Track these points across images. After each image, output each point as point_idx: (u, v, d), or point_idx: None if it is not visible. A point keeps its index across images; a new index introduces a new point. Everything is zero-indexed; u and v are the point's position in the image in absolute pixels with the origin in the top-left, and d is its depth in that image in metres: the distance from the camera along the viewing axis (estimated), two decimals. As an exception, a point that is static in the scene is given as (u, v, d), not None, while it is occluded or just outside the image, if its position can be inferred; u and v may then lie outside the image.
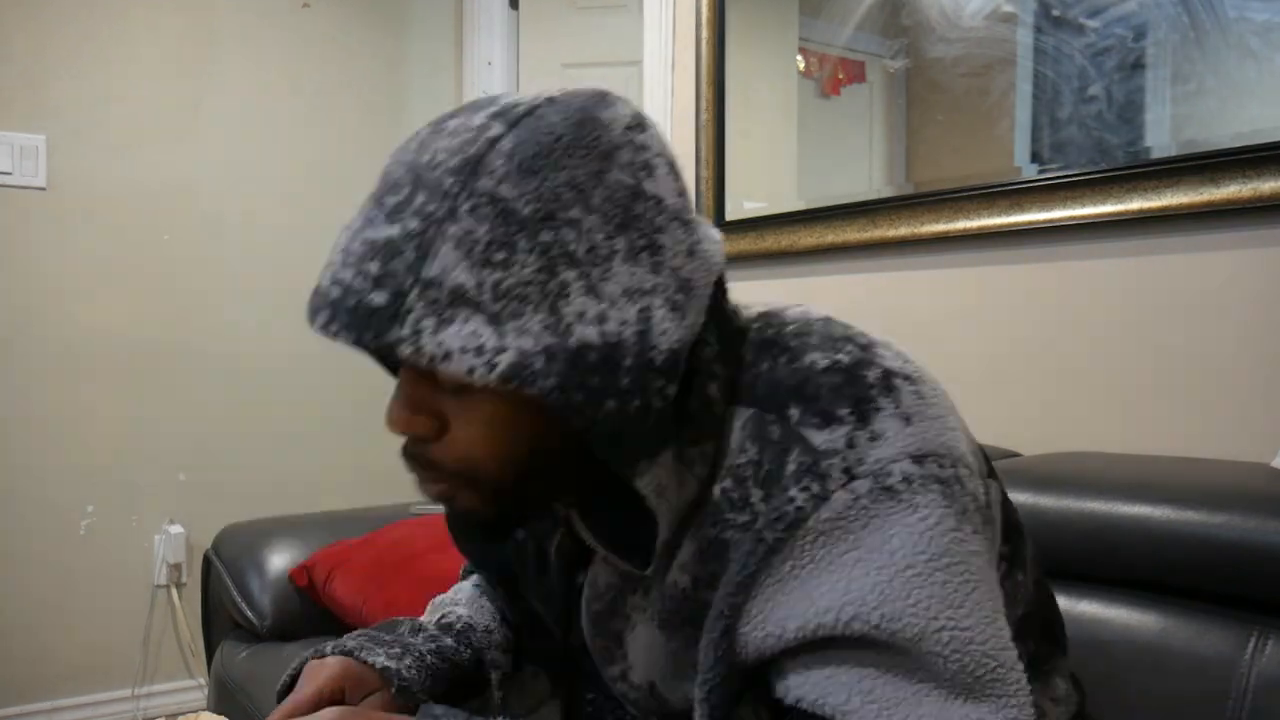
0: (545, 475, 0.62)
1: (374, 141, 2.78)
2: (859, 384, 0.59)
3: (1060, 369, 1.41)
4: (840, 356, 0.60)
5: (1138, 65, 1.32)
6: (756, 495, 0.58)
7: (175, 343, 2.48)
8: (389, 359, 0.67)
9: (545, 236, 0.54)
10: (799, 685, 0.57)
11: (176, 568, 2.48)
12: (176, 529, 2.47)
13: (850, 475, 0.56)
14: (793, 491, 0.56)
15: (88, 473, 2.38)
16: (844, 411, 0.57)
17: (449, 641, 0.82)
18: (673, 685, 0.67)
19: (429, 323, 0.53)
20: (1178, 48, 1.27)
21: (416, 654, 0.78)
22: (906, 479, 0.56)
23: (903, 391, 0.59)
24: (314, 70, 2.67)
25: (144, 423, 2.44)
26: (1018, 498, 1.02)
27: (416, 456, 0.62)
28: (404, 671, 0.76)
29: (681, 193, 0.61)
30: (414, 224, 0.55)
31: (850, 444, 0.56)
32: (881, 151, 1.74)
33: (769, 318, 0.66)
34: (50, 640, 2.33)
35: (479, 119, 0.58)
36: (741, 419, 0.60)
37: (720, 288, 0.64)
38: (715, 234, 0.64)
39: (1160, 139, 1.29)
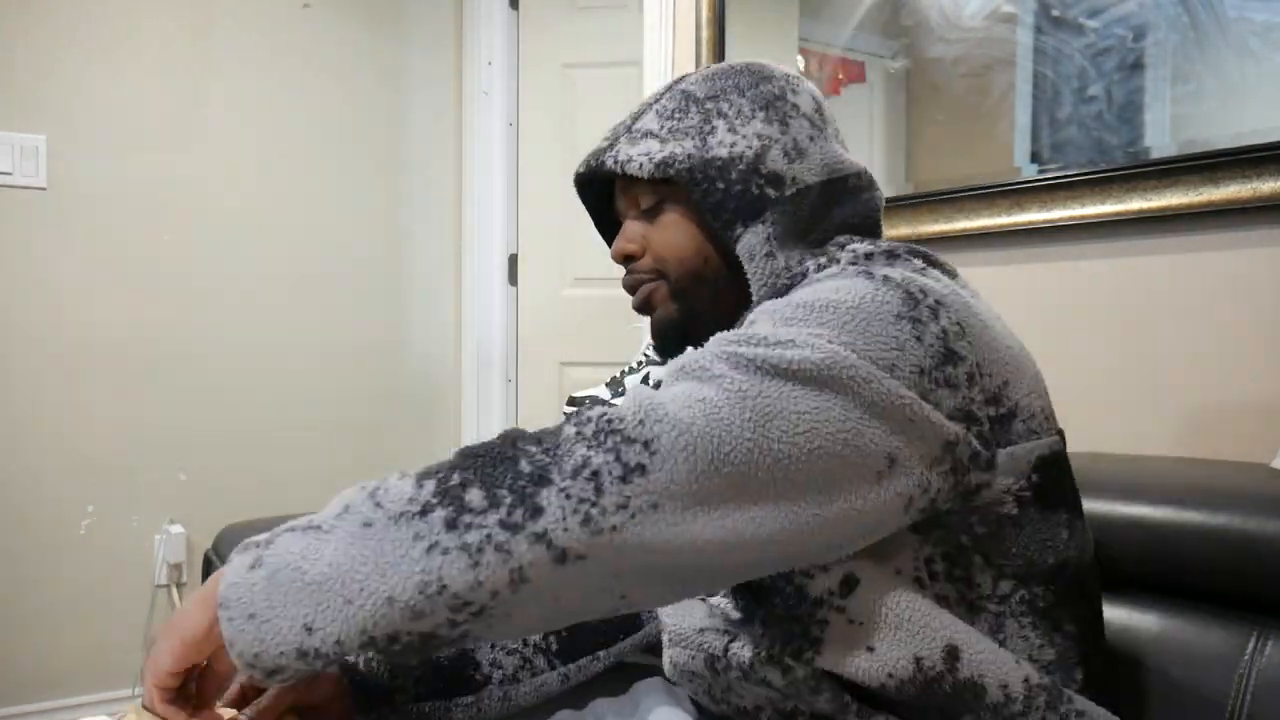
0: (709, 280, 0.85)
1: (374, 141, 2.78)
2: (913, 259, 0.78)
3: (1060, 369, 1.41)
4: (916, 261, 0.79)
5: (1137, 65, 1.32)
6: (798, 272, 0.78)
7: (175, 342, 2.48)
8: (603, 214, 0.96)
9: (709, 105, 0.84)
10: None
11: (177, 568, 2.48)
12: (177, 529, 2.47)
13: (854, 260, 0.77)
14: (809, 263, 0.79)
15: (88, 473, 2.38)
16: (882, 247, 0.79)
17: None
18: None
19: (624, 145, 0.85)
20: (1178, 48, 1.27)
21: None
22: (886, 279, 0.71)
23: (936, 282, 0.75)
24: (314, 70, 2.67)
25: (144, 423, 2.44)
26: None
27: (630, 271, 0.88)
28: (360, 665, 0.81)
29: (819, 111, 0.86)
30: (635, 108, 0.89)
31: (869, 255, 0.78)
32: (881, 152, 1.74)
33: (905, 243, 0.84)
34: (50, 640, 2.33)
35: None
36: (813, 258, 0.81)
37: (854, 208, 0.86)
38: (855, 160, 0.88)
39: (1160, 139, 1.29)
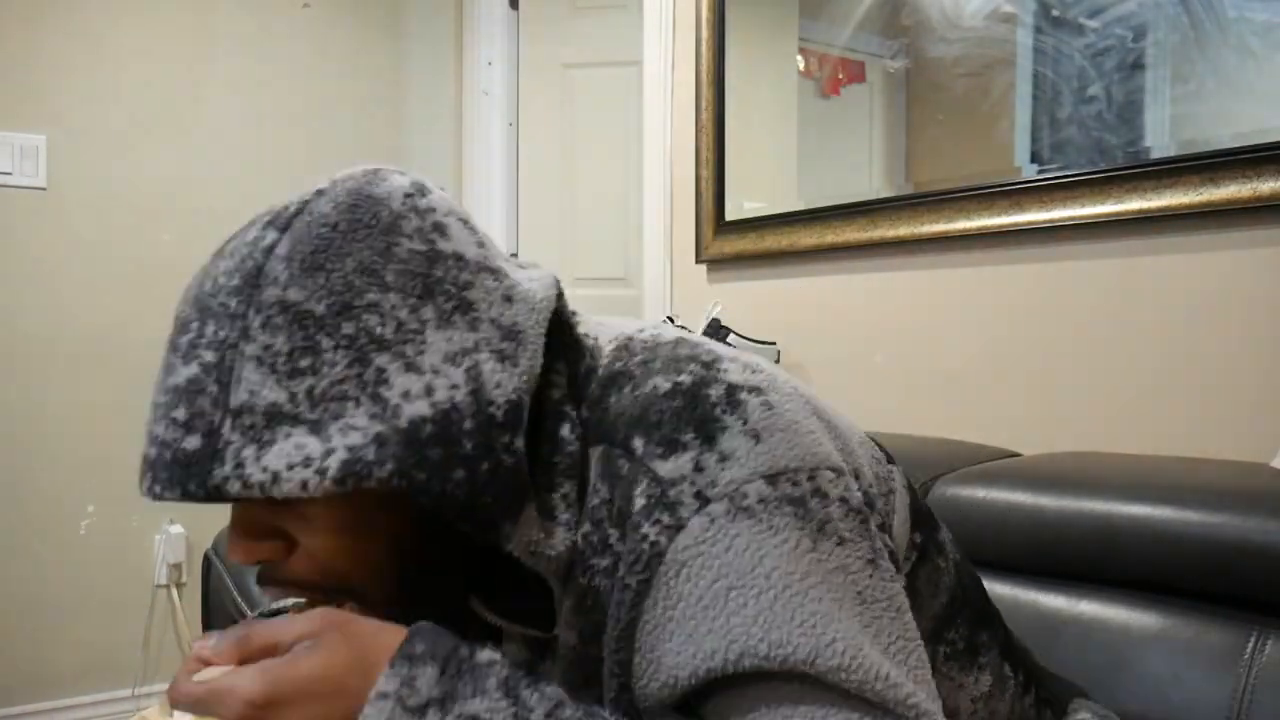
0: (429, 568, 0.58)
1: (374, 141, 2.78)
2: (702, 404, 0.55)
3: (1060, 369, 1.41)
4: (682, 378, 0.57)
5: (1137, 65, 1.32)
6: (614, 536, 0.55)
7: (175, 343, 2.48)
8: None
9: (348, 329, 0.52)
10: None
11: (177, 567, 2.48)
12: (176, 529, 2.47)
13: (703, 499, 0.52)
14: (645, 528, 0.53)
15: (88, 472, 2.38)
16: (688, 436, 0.54)
17: None
18: None
19: (249, 451, 0.51)
20: (1178, 48, 1.27)
21: None
22: (762, 500, 0.53)
23: (749, 406, 0.55)
24: (314, 70, 2.67)
25: (144, 422, 2.44)
26: (1018, 497, 1.02)
27: (278, 581, 0.57)
28: None
29: (482, 243, 0.59)
30: (209, 356, 0.53)
31: (698, 468, 0.53)
32: (881, 151, 1.74)
33: (622, 348, 0.62)
34: (50, 640, 2.33)
35: (253, 233, 0.57)
36: (595, 458, 0.57)
37: (564, 323, 0.62)
38: (540, 272, 0.62)
39: (1160, 139, 1.29)
